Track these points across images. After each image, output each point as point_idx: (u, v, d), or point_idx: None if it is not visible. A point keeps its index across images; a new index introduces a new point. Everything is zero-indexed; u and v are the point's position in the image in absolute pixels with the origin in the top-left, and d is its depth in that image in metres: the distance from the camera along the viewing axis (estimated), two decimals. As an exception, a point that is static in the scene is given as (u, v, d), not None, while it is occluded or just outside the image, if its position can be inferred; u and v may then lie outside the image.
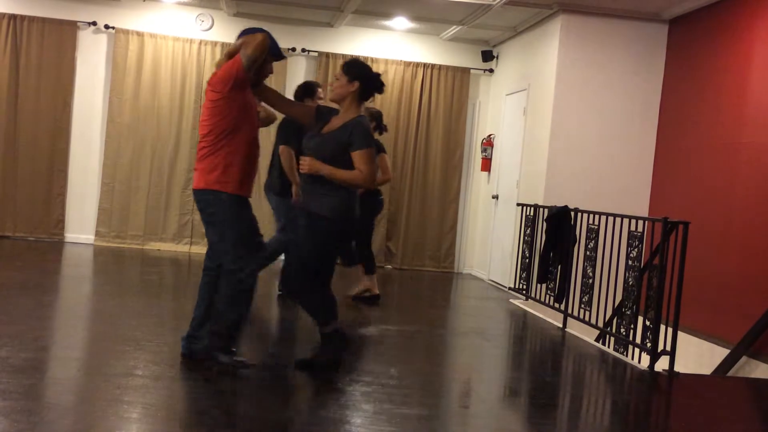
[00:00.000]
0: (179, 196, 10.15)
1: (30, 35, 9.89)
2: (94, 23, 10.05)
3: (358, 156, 4.47)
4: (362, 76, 4.61)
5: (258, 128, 4.68)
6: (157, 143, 10.11)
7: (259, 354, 5.31)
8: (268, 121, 5.67)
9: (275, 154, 6.77)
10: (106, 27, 10.06)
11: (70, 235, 10.11)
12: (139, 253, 9.75)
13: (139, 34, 10.08)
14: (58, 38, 9.96)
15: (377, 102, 10.43)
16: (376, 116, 7.53)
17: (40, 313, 5.93)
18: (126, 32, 10.05)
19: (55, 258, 9.03)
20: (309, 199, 4.59)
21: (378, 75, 4.73)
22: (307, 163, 4.46)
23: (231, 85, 4.39)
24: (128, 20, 10.12)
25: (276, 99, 4.86)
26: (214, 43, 10.18)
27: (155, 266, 8.96)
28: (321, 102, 7.01)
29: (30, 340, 4.93)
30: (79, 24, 10.03)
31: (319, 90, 6.87)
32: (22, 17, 9.86)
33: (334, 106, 4.74)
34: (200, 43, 10.19)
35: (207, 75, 10.12)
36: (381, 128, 7.58)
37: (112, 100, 10.05)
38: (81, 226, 10.13)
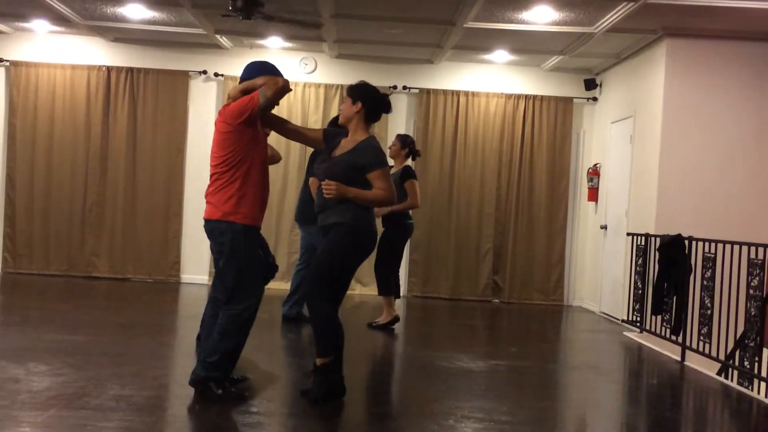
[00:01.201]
0: (288, 235, 10.37)
1: (146, 86, 10.42)
2: (205, 72, 10.50)
3: (376, 176, 4.56)
4: (365, 97, 4.69)
5: (267, 161, 4.76)
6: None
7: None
8: (273, 160, 5.74)
9: (306, 186, 6.93)
10: (216, 75, 10.49)
11: (186, 276, 10.49)
12: (250, 291, 9.98)
13: (247, 80, 10.44)
14: (172, 87, 10.45)
15: (479, 133, 10.45)
16: (409, 143, 7.57)
17: (159, 352, 6.17)
18: (234, 79, 10.42)
19: (172, 298, 9.37)
20: (326, 214, 4.62)
21: (384, 96, 4.79)
22: (333, 188, 4.48)
23: (243, 120, 4.49)
24: (236, 67, 10.49)
25: (282, 126, 4.94)
26: (318, 85, 10.44)
27: (266, 304, 9.03)
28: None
29: (151, 378, 5.12)
30: (190, 73, 10.50)
31: None
32: (139, 70, 10.41)
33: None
34: (304, 85, 10.46)
35: (311, 116, 10.40)
36: (414, 154, 7.61)
37: (223, 145, 10.41)
38: (196, 267, 10.50)
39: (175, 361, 6.16)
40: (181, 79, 10.48)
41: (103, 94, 10.38)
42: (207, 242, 10.58)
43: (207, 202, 4.66)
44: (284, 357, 6.36)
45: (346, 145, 4.68)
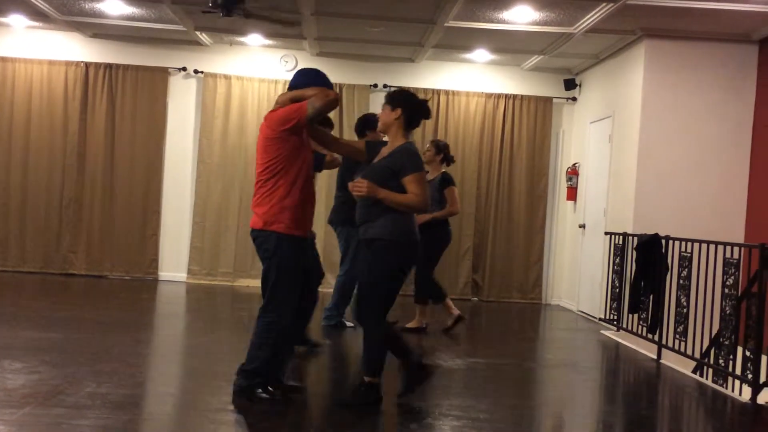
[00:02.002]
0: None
1: (125, 82, 10.34)
2: (184, 69, 10.45)
3: (409, 180, 4.49)
4: (404, 103, 4.65)
5: (312, 168, 4.72)
6: (245, 182, 10.36)
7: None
8: (334, 164, 5.71)
9: (338, 189, 6.96)
10: (196, 72, 10.44)
11: (164, 274, 10.43)
12: (229, 289, 9.97)
13: (227, 77, 10.41)
14: (151, 84, 10.39)
15: (459, 132, 10.48)
16: (443, 148, 7.56)
17: (136, 350, 6.12)
18: (214, 76, 10.41)
19: (150, 296, 9.32)
20: (366, 227, 4.59)
21: (423, 101, 4.76)
22: (365, 186, 4.44)
23: (288, 127, 4.45)
24: (216, 64, 10.48)
25: (326, 139, 4.92)
26: (298, 83, 10.41)
27: (245, 302, 9.13)
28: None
29: (127, 376, 5.08)
30: (170, 70, 10.44)
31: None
32: (117, 66, 10.33)
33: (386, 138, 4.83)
34: (285, 83, 10.41)
35: (292, 114, 10.35)
36: (449, 160, 7.60)
37: (202, 142, 10.38)
38: (174, 265, 10.45)
39: (152, 359, 6.12)
40: (161, 75, 10.41)
41: (81, 91, 10.29)
42: (185, 239, 10.63)
43: (253, 211, 4.61)
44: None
45: (385, 151, 4.66)
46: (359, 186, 4.45)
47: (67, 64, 10.31)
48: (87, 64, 10.32)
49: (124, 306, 8.45)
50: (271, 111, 4.60)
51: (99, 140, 10.29)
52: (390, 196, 4.46)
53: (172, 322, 8.06)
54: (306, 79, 4.68)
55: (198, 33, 9.78)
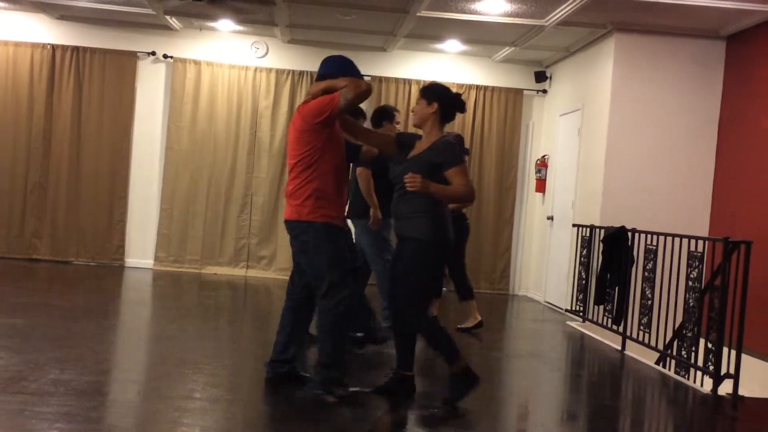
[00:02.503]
0: (235, 221, 10.31)
1: (92, 66, 10.20)
2: (153, 53, 10.32)
3: (453, 173, 4.50)
4: (440, 97, 4.66)
5: (345, 159, 4.73)
6: (213, 169, 10.29)
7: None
8: (369, 155, 5.60)
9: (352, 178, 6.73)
10: (165, 56, 10.32)
11: (131, 260, 10.33)
12: (196, 277, 9.91)
13: (196, 63, 10.31)
14: (119, 68, 10.25)
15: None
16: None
17: (101, 336, 6.07)
18: (184, 61, 10.29)
19: (116, 283, 9.23)
20: (400, 225, 4.64)
21: (458, 95, 4.78)
22: (418, 181, 4.35)
23: (322, 119, 4.44)
24: (186, 49, 10.37)
25: (356, 130, 4.90)
26: (269, 70, 10.35)
27: (213, 290, 9.09)
28: (398, 126, 7.02)
29: (92, 363, 5.04)
30: (138, 54, 10.31)
31: (397, 114, 6.72)
32: (85, 49, 10.18)
33: (418, 131, 4.84)
34: (255, 70, 10.37)
35: (262, 101, 10.30)
36: (464, 152, 7.54)
37: (171, 128, 10.28)
38: (141, 251, 10.35)
39: (117, 345, 6.07)
40: (129, 59, 10.28)
41: (48, 73, 10.13)
42: (152, 226, 10.53)
43: (286, 202, 4.62)
44: (228, 344, 6.31)
45: (421, 145, 4.65)
46: (412, 180, 4.36)
47: (33, 46, 10.14)
48: (54, 47, 10.16)
49: (89, 292, 8.36)
50: (304, 103, 4.58)
51: (65, 124, 10.15)
52: (440, 190, 4.45)
53: (138, 309, 7.99)
54: (336, 69, 4.62)
55: (167, 17, 9.66)
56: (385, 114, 6.69)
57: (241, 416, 4.27)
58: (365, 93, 4.49)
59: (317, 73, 4.71)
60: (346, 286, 4.55)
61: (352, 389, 4.64)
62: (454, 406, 4.60)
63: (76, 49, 10.18)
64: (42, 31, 10.21)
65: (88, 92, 10.21)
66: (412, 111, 4.84)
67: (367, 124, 6.43)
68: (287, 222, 4.61)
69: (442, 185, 4.46)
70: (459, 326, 7.46)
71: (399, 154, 4.73)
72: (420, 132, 4.79)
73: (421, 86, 4.78)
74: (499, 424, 4.68)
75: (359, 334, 6.08)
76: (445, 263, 4.73)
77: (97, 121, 10.21)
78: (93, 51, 10.20)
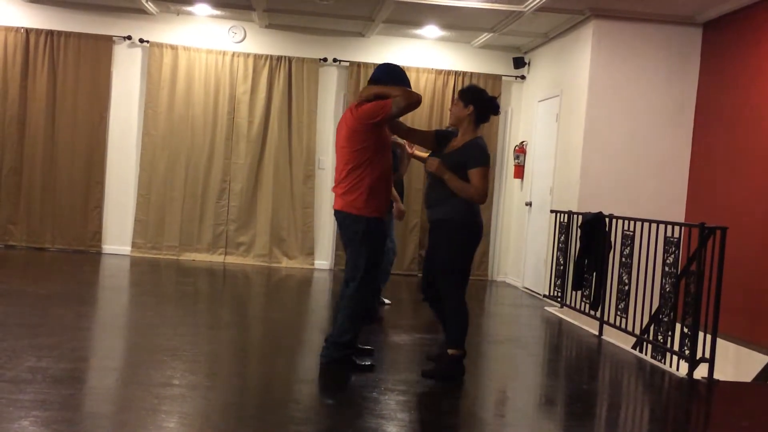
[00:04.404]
0: (213, 207, 10.26)
1: (67, 50, 10.07)
2: (129, 37, 10.21)
3: (473, 173, 4.83)
4: (476, 100, 4.97)
5: (391, 156, 5.10)
6: (191, 154, 10.23)
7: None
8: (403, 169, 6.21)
9: None
10: (141, 41, 10.21)
11: (108, 247, 10.26)
12: (174, 263, 9.86)
13: (173, 47, 10.21)
14: (94, 53, 10.13)
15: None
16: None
17: (78, 323, 6.02)
18: (160, 46, 10.20)
19: (93, 269, 9.16)
20: (431, 211, 4.99)
21: (493, 98, 5.08)
22: (436, 164, 4.84)
23: (375, 122, 4.81)
24: (162, 34, 10.27)
25: (400, 128, 5.18)
26: (247, 55, 10.28)
27: (191, 276, 9.04)
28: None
29: (69, 350, 5.00)
30: (114, 38, 10.20)
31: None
32: (59, 33, 10.05)
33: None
34: (233, 55, 10.29)
35: (240, 87, 10.24)
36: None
37: (147, 113, 10.19)
38: (118, 238, 10.28)
39: (94, 333, 6.03)
40: (105, 44, 10.16)
41: (22, 57, 10.00)
42: (129, 212, 10.44)
43: (338, 195, 4.97)
44: (207, 330, 6.29)
45: (455, 144, 4.99)
46: (432, 162, 4.86)
47: (7, 29, 9.99)
48: (27, 30, 10.02)
49: (65, 279, 8.29)
50: (357, 104, 4.90)
51: (40, 108, 10.03)
52: (453, 180, 4.82)
53: (115, 296, 7.93)
54: (390, 77, 5.00)
55: (144, 1, 9.56)
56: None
57: (219, 403, 4.26)
58: (416, 104, 4.86)
59: (371, 76, 5.09)
60: (375, 279, 4.98)
61: (361, 363, 4.96)
62: (431, 391, 4.62)
63: (50, 33, 10.05)
64: (16, 14, 10.07)
65: (63, 77, 10.09)
66: (450, 110, 5.18)
67: None
68: (339, 212, 4.96)
69: (456, 177, 4.82)
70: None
71: (437, 148, 5.06)
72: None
73: (459, 89, 5.17)
74: (477, 410, 4.71)
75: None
76: (477, 244, 5.02)
77: (73, 106, 10.10)
78: (68, 35, 10.08)
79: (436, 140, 5.10)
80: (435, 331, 6.88)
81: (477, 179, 4.82)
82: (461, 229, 4.89)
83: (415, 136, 5.32)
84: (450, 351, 4.96)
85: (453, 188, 4.82)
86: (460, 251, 4.90)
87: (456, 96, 5.09)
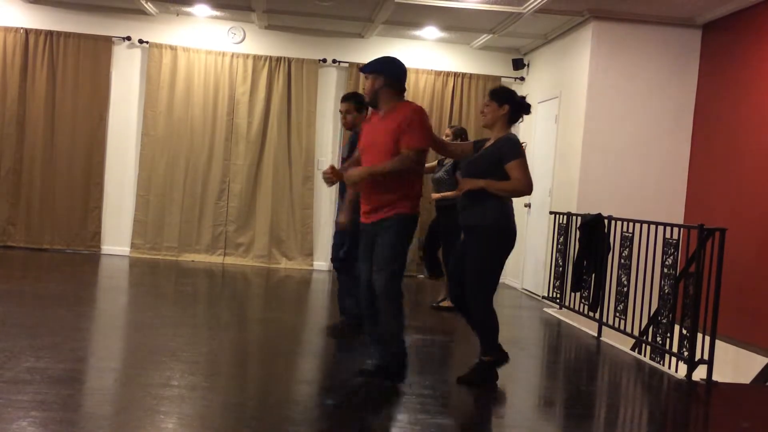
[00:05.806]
0: (213, 208, 10.26)
1: (66, 51, 10.07)
2: (129, 38, 10.21)
3: (511, 167, 4.79)
4: (511, 99, 5.01)
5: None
6: (190, 155, 10.23)
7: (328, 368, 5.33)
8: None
9: None
10: (140, 42, 10.21)
11: (107, 247, 10.26)
12: (173, 264, 9.85)
13: (173, 48, 10.21)
14: (94, 53, 10.13)
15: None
16: (460, 133, 7.62)
17: (77, 324, 6.02)
18: (160, 46, 10.20)
19: (92, 270, 9.16)
20: (465, 215, 4.91)
21: (524, 98, 5.11)
22: (466, 185, 4.82)
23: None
24: (162, 34, 10.27)
25: (438, 145, 5.19)
26: (246, 56, 10.28)
27: (190, 277, 9.04)
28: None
29: (68, 351, 5.00)
30: (113, 39, 10.20)
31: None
32: (59, 33, 10.05)
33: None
34: (232, 55, 10.29)
35: (239, 87, 10.24)
36: None
37: (147, 114, 10.19)
38: (117, 238, 10.28)
39: (93, 333, 6.02)
40: (104, 44, 10.16)
41: (21, 58, 10.00)
42: (128, 213, 10.42)
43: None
44: (206, 331, 6.29)
45: (489, 144, 4.98)
46: (463, 182, 4.87)
47: (6, 30, 9.99)
48: (27, 31, 10.02)
49: (64, 280, 8.29)
50: (384, 115, 4.89)
51: (39, 109, 10.03)
52: (492, 185, 4.77)
53: (114, 296, 7.93)
54: (388, 69, 5.20)
55: (143, 2, 9.57)
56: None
57: (218, 404, 4.25)
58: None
59: (365, 66, 5.09)
60: (402, 274, 4.85)
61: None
62: (443, 392, 4.63)
63: (50, 34, 10.05)
64: (15, 14, 10.07)
65: (62, 77, 10.09)
66: (482, 113, 5.11)
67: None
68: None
69: (494, 181, 4.76)
70: (433, 304, 7.71)
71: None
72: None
73: (489, 90, 5.14)
74: (476, 411, 4.71)
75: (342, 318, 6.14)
76: (510, 250, 4.97)
77: (72, 107, 10.10)
78: (67, 36, 10.08)
79: (475, 150, 5.07)
80: (433, 332, 6.87)
81: (517, 172, 4.79)
82: (492, 235, 4.84)
83: (455, 149, 5.41)
84: (484, 358, 4.97)
85: (497, 192, 4.78)
86: (492, 258, 4.86)
87: (487, 98, 5.08)
